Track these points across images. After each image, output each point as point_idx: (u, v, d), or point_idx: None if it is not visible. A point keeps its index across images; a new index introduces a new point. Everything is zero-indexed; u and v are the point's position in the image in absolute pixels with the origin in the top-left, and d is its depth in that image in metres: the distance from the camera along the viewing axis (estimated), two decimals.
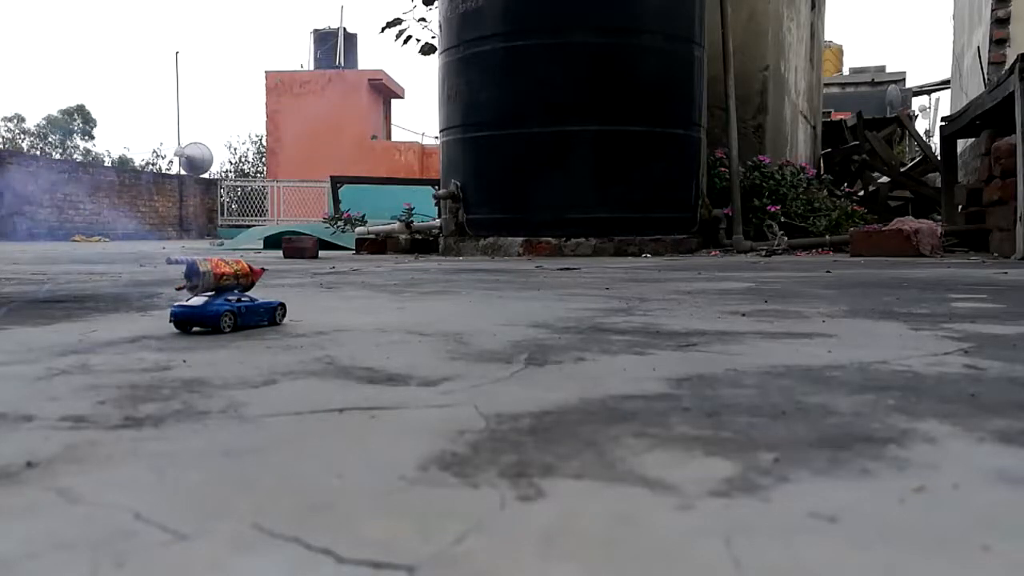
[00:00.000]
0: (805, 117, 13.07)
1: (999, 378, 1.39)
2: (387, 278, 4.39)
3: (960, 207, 8.39)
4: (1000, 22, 11.78)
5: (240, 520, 0.73)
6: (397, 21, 11.81)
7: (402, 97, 28.04)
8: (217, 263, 2.04)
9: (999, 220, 6.84)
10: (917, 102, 23.32)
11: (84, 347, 1.78)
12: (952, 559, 0.65)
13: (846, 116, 15.92)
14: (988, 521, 0.72)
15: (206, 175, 27.96)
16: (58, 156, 31.04)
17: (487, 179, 8.04)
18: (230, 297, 2.06)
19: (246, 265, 2.10)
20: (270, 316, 2.16)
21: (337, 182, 13.68)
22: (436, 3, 9.86)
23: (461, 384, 1.36)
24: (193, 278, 1.99)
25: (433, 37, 10.77)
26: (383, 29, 11.80)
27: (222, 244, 14.33)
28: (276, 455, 0.95)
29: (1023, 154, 6.01)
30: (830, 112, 17.51)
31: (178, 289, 2.03)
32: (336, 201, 13.07)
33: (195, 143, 27.90)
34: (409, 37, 11.91)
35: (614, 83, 7.66)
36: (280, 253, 8.20)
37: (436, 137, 12.69)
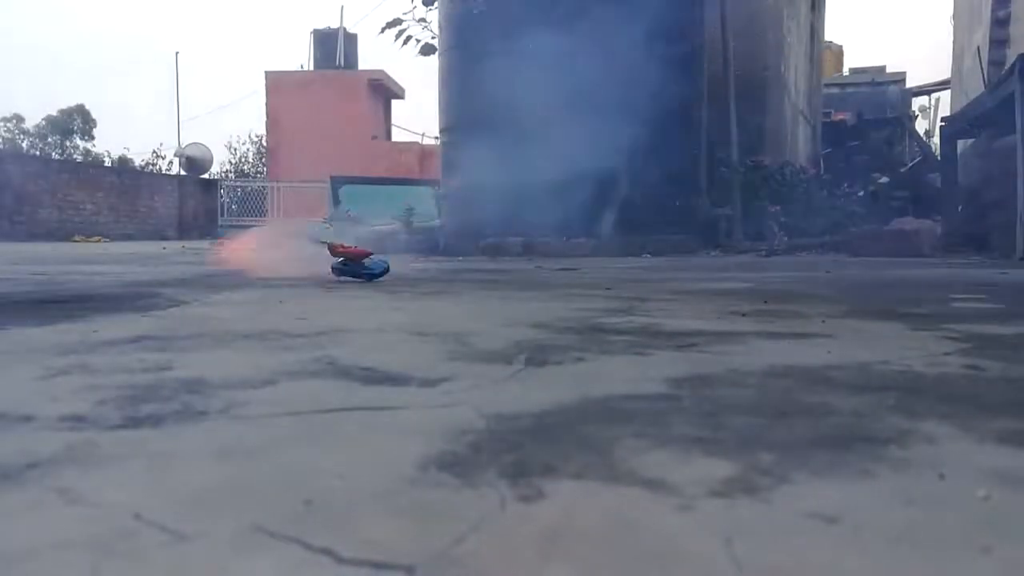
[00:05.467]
0: (805, 117, 13.07)
1: (999, 378, 1.39)
2: (386, 278, 4.38)
3: (960, 207, 8.40)
4: (1000, 22, 11.77)
5: (240, 520, 0.73)
6: (397, 21, 11.81)
7: (402, 97, 28.01)
8: (342, 244, 3.83)
9: (999, 220, 6.84)
10: (917, 102, 23.31)
11: (84, 347, 1.78)
12: (952, 559, 0.65)
13: (846, 116, 15.90)
14: (988, 521, 0.72)
15: (206, 175, 27.95)
16: (58, 156, 31.00)
17: (487, 179, 8.04)
18: (366, 261, 3.79)
19: (360, 248, 3.81)
20: (385, 269, 3.81)
21: (337, 182, 13.67)
22: (436, 3, 9.86)
23: (461, 384, 1.36)
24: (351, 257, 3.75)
25: (433, 37, 10.77)
26: (383, 29, 11.79)
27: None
28: (276, 455, 0.95)
29: (1023, 154, 6.02)
30: (830, 112, 17.50)
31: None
32: (336, 201, 13.07)
33: (195, 143, 27.86)
34: (409, 37, 11.90)
35: (614, 82, 7.66)
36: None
37: (436, 137, 12.67)
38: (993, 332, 1.99)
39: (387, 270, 3.86)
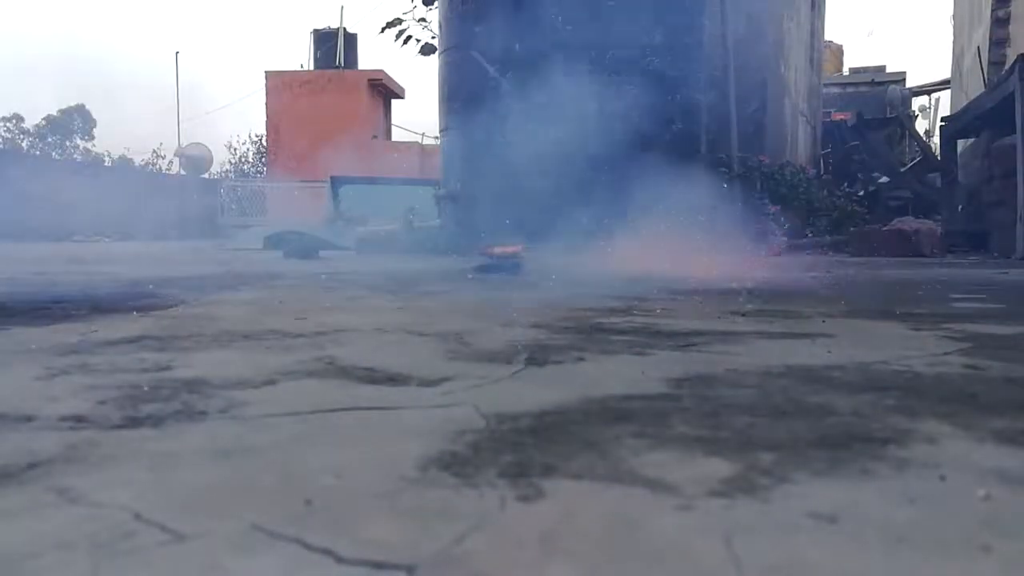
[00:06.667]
0: (805, 117, 13.07)
1: (999, 378, 1.39)
2: (387, 278, 4.38)
3: (960, 207, 8.40)
4: (1000, 22, 11.78)
5: (240, 520, 0.73)
6: (397, 21, 11.80)
7: (402, 97, 27.99)
8: (499, 246, 4.66)
9: (999, 220, 6.85)
10: (917, 102, 23.32)
11: (84, 347, 1.78)
12: (952, 559, 0.65)
13: (846, 116, 15.90)
14: (988, 521, 0.72)
15: (206, 175, 27.95)
16: (58, 156, 30.97)
17: (487, 179, 8.04)
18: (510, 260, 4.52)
19: (512, 248, 4.62)
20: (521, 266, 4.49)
21: (337, 182, 13.66)
22: (436, 3, 9.86)
23: (461, 384, 1.36)
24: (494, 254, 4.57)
25: (433, 37, 10.77)
26: (383, 29, 11.79)
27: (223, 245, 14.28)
28: (276, 455, 0.95)
29: (1023, 154, 6.02)
30: (830, 112, 17.50)
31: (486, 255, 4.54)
32: (336, 201, 13.07)
33: (195, 143, 27.86)
34: (409, 37, 11.89)
35: (614, 82, 7.65)
36: (280, 253, 8.19)
37: (436, 137, 12.67)
38: (993, 332, 1.99)
39: (520, 265, 4.59)
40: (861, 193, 12.39)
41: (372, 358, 1.62)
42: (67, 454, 0.95)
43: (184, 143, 28.03)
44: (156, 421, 1.11)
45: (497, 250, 4.66)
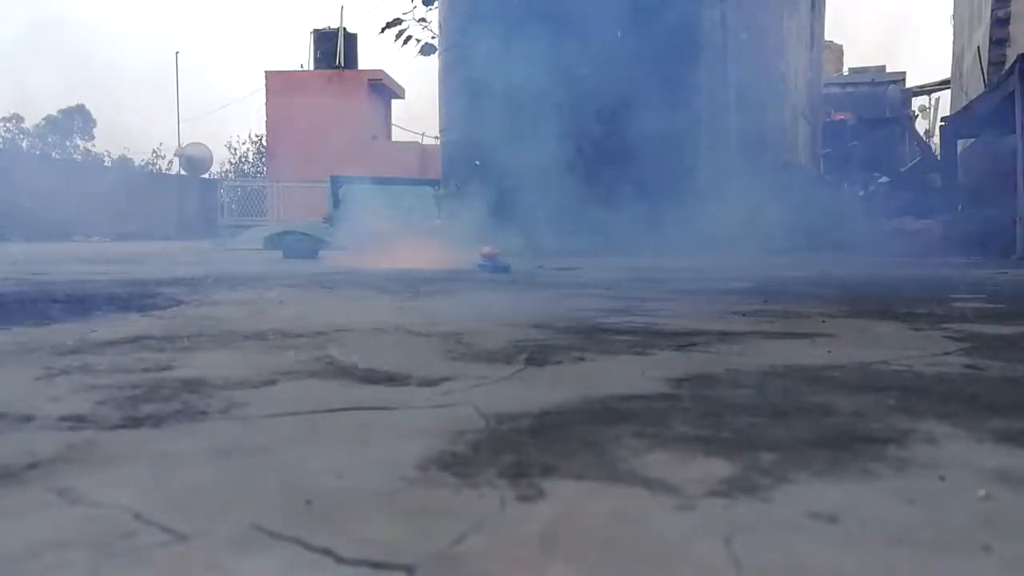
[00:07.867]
0: (805, 117, 13.07)
1: (999, 378, 1.39)
2: (387, 278, 4.38)
3: (960, 207, 8.40)
4: (1000, 22, 11.78)
5: (240, 520, 0.73)
6: (397, 21, 11.80)
7: (402, 97, 27.97)
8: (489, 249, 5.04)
9: (999, 220, 6.85)
10: (917, 102, 23.32)
11: (84, 347, 1.78)
12: (952, 559, 0.65)
13: (846, 116, 15.91)
14: (988, 521, 0.72)
15: (206, 175, 27.97)
16: (57, 156, 30.95)
17: (487, 179, 8.04)
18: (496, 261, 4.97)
19: (493, 250, 5.05)
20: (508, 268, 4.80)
21: (337, 182, 13.64)
22: (436, 3, 9.87)
23: (461, 384, 1.35)
24: (488, 257, 4.93)
25: (433, 37, 10.78)
26: (383, 29, 11.80)
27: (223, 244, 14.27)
28: (276, 455, 0.95)
29: (1023, 154, 6.02)
30: (830, 112, 17.50)
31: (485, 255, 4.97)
32: (336, 201, 13.04)
33: (195, 143, 27.87)
34: (409, 37, 11.90)
35: (615, 84, 7.65)
36: (280, 253, 8.20)
37: (436, 137, 12.68)
38: (993, 332, 1.99)
39: (508, 268, 5.00)
40: (861, 193, 12.40)
41: (372, 358, 1.62)
42: (67, 454, 0.94)
43: (184, 143, 28.03)
44: (156, 421, 1.11)
45: (487, 250, 5.09)
